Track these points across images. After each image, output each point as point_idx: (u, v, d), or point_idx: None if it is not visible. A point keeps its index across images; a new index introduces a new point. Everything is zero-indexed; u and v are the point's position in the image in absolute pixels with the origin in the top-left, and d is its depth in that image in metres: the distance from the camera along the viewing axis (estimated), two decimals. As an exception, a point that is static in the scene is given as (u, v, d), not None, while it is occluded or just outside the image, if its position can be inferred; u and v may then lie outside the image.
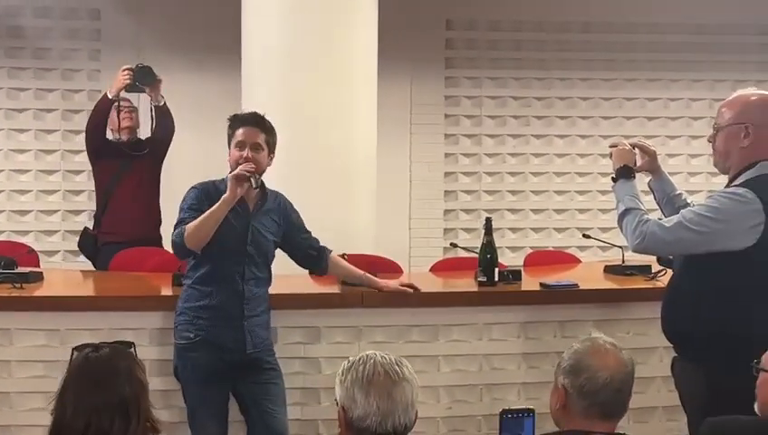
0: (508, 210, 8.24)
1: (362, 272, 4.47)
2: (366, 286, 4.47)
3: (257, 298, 4.11)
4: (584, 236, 5.93)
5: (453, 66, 8.17)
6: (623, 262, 5.22)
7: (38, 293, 4.50)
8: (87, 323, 4.29)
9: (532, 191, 8.31)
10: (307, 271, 4.64)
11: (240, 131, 4.07)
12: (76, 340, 4.24)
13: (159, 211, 5.99)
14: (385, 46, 6.33)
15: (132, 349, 2.65)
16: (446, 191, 8.21)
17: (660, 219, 3.51)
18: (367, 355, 2.48)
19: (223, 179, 4.11)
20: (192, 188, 4.13)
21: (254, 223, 4.10)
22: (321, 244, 4.40)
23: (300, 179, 5.47)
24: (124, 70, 5.74)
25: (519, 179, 8.29)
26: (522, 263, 6.13)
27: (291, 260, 4.46)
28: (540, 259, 6.10)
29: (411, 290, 4.47)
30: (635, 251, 3.57)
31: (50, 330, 4.29)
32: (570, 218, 8.35)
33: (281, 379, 4.17)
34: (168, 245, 5.71)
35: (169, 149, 6.06)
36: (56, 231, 7.68)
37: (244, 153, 4.02)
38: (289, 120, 5.91)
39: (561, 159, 8.33)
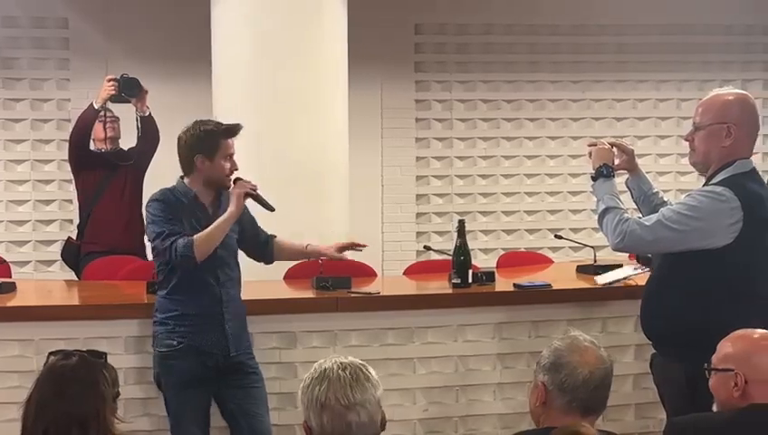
0: (480, 212, 8.27)
1: (303, 244, 4.52)
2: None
3: (234, 300, 4.14)
4: (556, 236, 5.98)
5: (422, 70, 8.20)
6: (595, 261, 5.26)
7: (11, 303, 4.49)
8: (61, 333, 4.27)
9: (503, 193, 8.35)
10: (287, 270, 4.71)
11: (229, 142, 4.12)
12: (50, 350, 4.25)
13: (143, 221, 5.99)
14: (355, 51, 6.36)
15: (104, 359, 2.63)
16: (417, 195, 8.23)
17: (640, 218, 3.55)
18: (324, 372, 2.47)
19: (175, 187, 4.15)
20: (155, 200, 4.11)
21: None
22: (267, 233, 4.46)
23: (272, 184, 5.45)
24: (109, 80, 5.76)
25: (490, 182, 8.34)
26: (494, 264, 6.19)
27: (261, 268, 4.52)
28: (512, 260, 6.15)
29: (360, 247, 4.54)
30: (615, 250, 3.59)
31: (24, 340, 4.26)
32: (541, 220, 8.40)
33: (263, 383, 4.19)
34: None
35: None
36: (27, 241, 7.63)
37: (234, 165, 4.13)
38: (260, 126, 5.94)
39: (531, 160, 8.39)
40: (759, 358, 2.78)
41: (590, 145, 3.82)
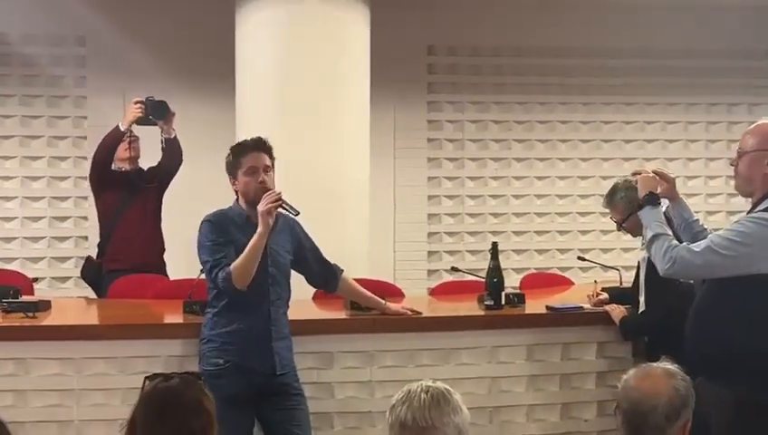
0: (490, 232, 8.32)
1: (370, 294, 4.60)
2: (372, 308, 4.58)
3: (282, 319, 4.18)
4: (580, 258, 6.05)
5: (435, 91, 8.27)
6: (621, 283, 5.32)
7: (49, 321, 4.50)
8: (101, 352, 4.31)
9: (513, 214, 8.42)
10: (315, 290, 4.75)
11: (249, 158, 4.14)
12: (90, 368, 4.29)
13: (163, 238, 6.05)
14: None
15: (201, 380, 2.68)
16: (429, 214, 8.28)
17: (689, 244, 3.62)
18: (408, 393, 2.55)
19: (231, 207, 4.20)
20: (205, 221, 4.16)
21: (271, 244, 4.14)
22: (333, 262, 4.48)
23: (294, 202, 5.54)
24: (136, 102, 5.77)
25: (500, 202, 8.40)
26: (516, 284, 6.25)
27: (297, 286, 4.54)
28: (536, 282, 6.21)
29: (411, 313, 4.58)
30: (665, 275, 3.65)
31: (64, 359, 4.29)
32: (550, 240, 8.47)
33: (305, 404, 4.21)
34: (173, 271, 5.83)
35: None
36: (42, 258, 7.64)
37: (260, 178, 4.12)
38: (283, 146, 5.95)
39: (541, 181, 8.46)
40: None
41: (634, 173, 3.89)
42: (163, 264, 6.11)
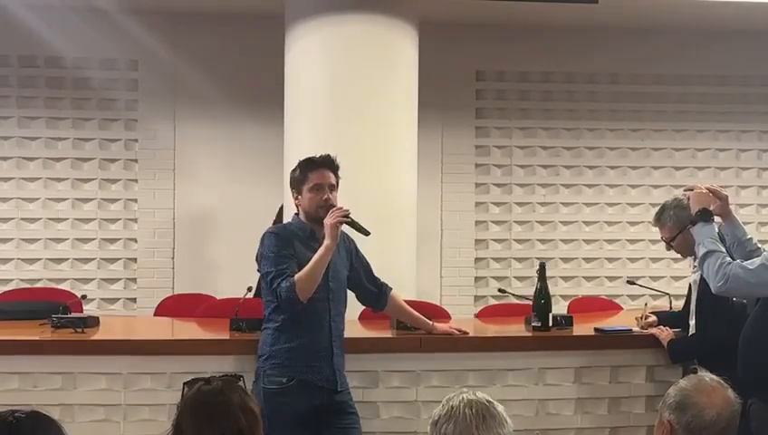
0: (538, 259, 8.22)
1: (418, 314, 4.57)
2: (418, 327, 4.56)
3: (341, 334, 4.16)
4: (629, 282, 5.98)
5: (483, 116, 8.25)
6: (670, 308, 5.25)
7: (97, 337, 4.54)
8: (148, 368, 4.33)
9: (561, 240, 8.35)
10: (362, 309, 4.75)
11: (315, 175, 4.13)
12: (137, 384, 4.31)
13: None
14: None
15: (241, 382, 2.67)
16: (476, 240, 8.24)
17: (741, 262, 3.56)
18: (452, 410, 2.49)
19: (291, 222, 4.21)
20: (269, 233, 4.15)
21: (333, 258, 4.11)
22: (382, 281, 4.46)
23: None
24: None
25: (548, 228, 8.34)
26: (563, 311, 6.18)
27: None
28: (583, 306, 6.16)
29: (459, 333, 4.55)
30: (717, 293, 3.60)
31: (111, 374, 4.32)
32: (599, 267, 8.37)
33: (359, 423, 4.19)
34: (224, 289, 5.88)
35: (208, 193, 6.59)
36: (92, 279, 7.71)
37: (324, 196, 4.10)
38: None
39: (589, 208, 8.38)
40: None
41: (687, 190, 3.85)
42: None
